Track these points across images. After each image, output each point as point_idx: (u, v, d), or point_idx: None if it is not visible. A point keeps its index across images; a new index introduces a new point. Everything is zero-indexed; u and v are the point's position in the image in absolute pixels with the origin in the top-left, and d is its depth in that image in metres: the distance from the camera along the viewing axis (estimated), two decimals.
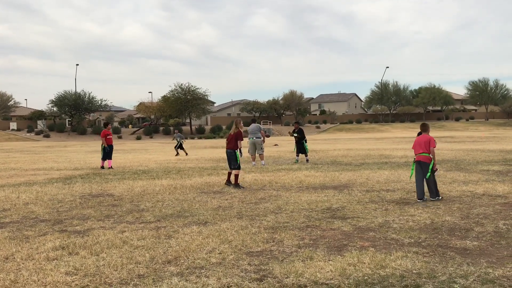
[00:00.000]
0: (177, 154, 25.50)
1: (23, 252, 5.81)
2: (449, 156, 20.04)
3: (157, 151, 32.07)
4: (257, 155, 17.94)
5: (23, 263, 5.36)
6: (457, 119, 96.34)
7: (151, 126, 79.41)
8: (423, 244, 5.95)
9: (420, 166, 9.24)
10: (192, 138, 69.76)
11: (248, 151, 18.06)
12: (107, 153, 17.56)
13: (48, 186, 12.49)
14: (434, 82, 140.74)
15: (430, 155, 9.21)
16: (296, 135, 18.50)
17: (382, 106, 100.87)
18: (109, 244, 6.13)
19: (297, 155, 18.89)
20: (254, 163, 17.63)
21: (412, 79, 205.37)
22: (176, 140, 25.96)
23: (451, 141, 36.71)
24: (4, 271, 5.10)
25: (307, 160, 18.53)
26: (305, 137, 18.69)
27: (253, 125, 18.17)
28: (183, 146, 26.22)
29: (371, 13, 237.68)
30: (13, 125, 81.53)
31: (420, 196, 9.05)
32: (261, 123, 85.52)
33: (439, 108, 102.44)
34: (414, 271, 4.86)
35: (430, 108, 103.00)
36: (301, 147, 18.59)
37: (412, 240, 6.15)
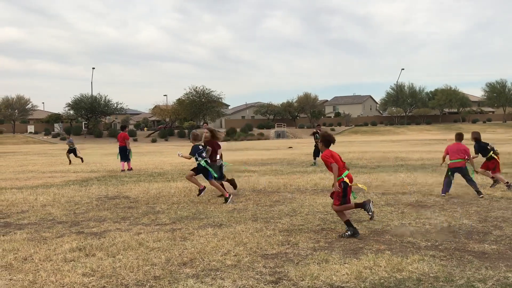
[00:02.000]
0: (71, 162, 23.06)
1: (41, 253, 5.89)
2: None
3: (172, 154, 32.27)
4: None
5: (41, 264, 5.44)
6: (474, 121, 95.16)
7: (166, 129, 79.93)
8: (440, 247, 5.88)
9: (455, 171, 9.87)
10: None
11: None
12: (125, 156, 17.71)
13: (65, 188, 12.65)
14: (450, 84, 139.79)
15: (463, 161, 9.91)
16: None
17: (398, 108, 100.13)
18: (125, 245, 6.18)
19: (315, 158, 18.88)
20: None
21: (428, 80, 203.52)
22: (69, 146, 23.82)
23: (468, 143, 36.23)
24: (23, 271, 5.18)
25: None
26: None
27: None
28: (77, 152, 23.97)
29: (387, 14, 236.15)
30: (30, 128, 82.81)
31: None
32: (276, 125, 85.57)
33: (455, 110, 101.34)
34: (431, 275, 4.80)
35: (447, 110, 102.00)
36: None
37: (429, 243, 6.09)
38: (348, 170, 6.64)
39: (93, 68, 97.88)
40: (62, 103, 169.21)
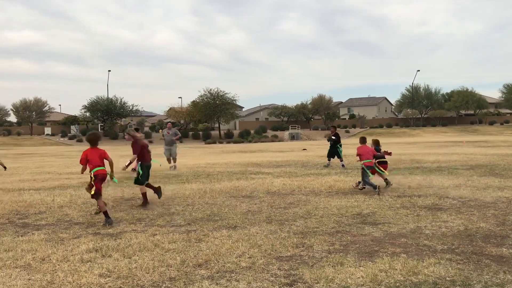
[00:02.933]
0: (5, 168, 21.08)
1: (58, 254, 5.97)
2: (483, 161, 19.54)
3: (187, 156, 32.44)
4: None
5: (58, 265, 5.51)
6: (491, 123, 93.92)
7: (180, 131, 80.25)
8: (457, 251, 5.82)
9: (367, 169, 11.05)
10: (221, 142, 70.20)
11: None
12: None
13: (81, 189, 12.78)
14: (467, 85, 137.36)
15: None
16: (334, 138, 18.58)
17: (413, 110, 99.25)
18: (141, 247, 6.24)
19: (329, 160, 18.81)
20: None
21: (444, 82, 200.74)
22: None
23: (485, 145, 35.79)
24: (41, 272, 5.26)
25: (343, 165, 18.26)
26: (340, 141, 18.72)
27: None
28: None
29: (403, 16, 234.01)
30: (47, 130, 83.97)
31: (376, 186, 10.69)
32: (290, 127, 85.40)
33: (472, 112, 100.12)
34: (447, 279, 4.76)
35: (463, 112, 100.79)
36: (334, 151, 18.56)
37: (445, 246, 6.03)
38: (101, 167, 7.97)
39: (109, 71, 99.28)
40: (78, 105, 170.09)
